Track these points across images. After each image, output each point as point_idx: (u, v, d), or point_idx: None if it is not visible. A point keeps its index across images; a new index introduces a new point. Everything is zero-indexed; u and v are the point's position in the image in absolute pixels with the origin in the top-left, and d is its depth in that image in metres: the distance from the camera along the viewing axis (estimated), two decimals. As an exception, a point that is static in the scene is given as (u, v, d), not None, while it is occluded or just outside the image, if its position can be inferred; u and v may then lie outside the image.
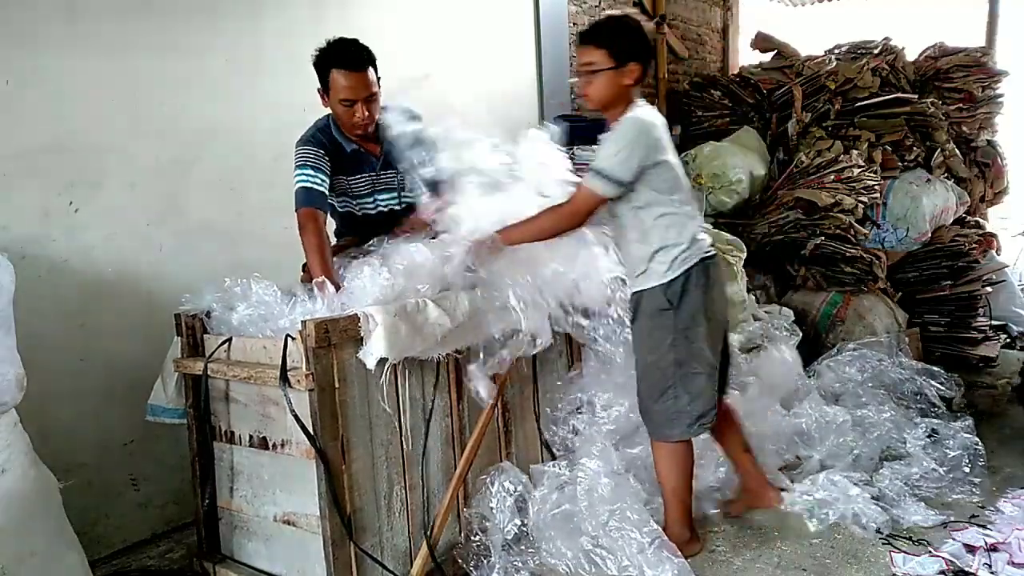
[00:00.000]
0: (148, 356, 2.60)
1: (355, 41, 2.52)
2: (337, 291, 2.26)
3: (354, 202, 2.74)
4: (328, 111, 2.62)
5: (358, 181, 2.71)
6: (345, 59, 2.47)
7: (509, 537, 2.43)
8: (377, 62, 2.54)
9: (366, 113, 2.52)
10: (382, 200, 2.76)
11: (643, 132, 2.32)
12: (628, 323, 2.57)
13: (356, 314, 2.10)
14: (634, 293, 2.46)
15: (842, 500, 2.63)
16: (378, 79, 2.55)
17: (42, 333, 2.51)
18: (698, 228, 2.45)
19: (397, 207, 2.77)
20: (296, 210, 2.49)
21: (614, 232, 2.53)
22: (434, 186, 2.62)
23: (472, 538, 2.42)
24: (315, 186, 2.51)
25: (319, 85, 2.55)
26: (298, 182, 2.53)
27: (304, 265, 2.58)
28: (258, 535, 2.35)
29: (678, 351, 2.39)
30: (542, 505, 2.49)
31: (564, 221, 2.42)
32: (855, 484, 2.72)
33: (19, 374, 2.02)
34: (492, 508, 2.43)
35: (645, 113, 2.37)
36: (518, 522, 2.46)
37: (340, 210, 2.76)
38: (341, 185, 2.68)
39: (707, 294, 2.40)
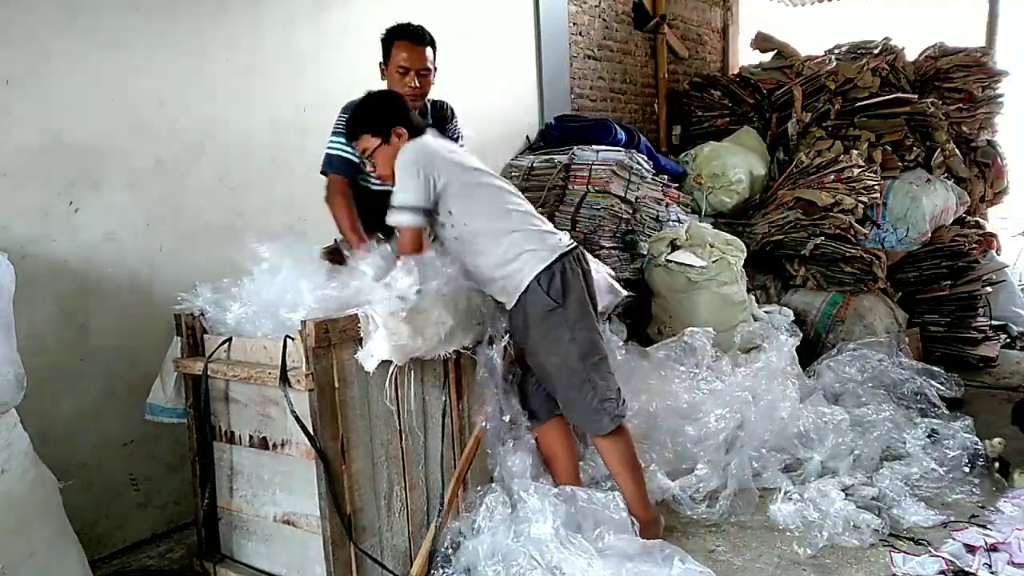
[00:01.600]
0: (148, 356, 2.60)
1: (421, 25, 2.78)
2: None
3: (372, 176, 2.77)
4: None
5: None
6: (408, 34, 2.74)
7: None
8: (436, 50, 2.78)
9: (416, 84, 2.71)
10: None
11: (417, 158, 2.36)
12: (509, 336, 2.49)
13: (356, 314, 2.10)
14: (512, 308, 2.41)
15: (831, 515, 2.59)
16: (435, 66, 2.77)
17: (42, 333, 2.52)
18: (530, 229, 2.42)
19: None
20: (324, 173, 2.71)
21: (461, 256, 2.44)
22: None
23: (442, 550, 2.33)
24: (348, 155, 2.65)
25: (381, 59, 2.76)
26: (332, 148, 2.70)
27: (325, 247, 2.64)
28: (258, 535, 2.35)
29: (579, 344, 2.40)
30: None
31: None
32: (843, 491, 2.73)
33: (19, 374, 2.03)
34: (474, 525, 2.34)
35: (414, 144, 2.41)
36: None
37: (359, 182, 2.81)
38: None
39: (587, 281, 2.46)
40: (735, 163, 4.79)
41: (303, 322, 2.02)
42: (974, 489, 2.87)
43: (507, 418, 2.51)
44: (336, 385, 2.08)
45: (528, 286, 2.36)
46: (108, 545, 2.73)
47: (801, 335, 3.87)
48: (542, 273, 2.36)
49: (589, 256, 2.62)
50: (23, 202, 2.51)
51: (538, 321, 2.39)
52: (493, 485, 2.44)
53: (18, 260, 2.29)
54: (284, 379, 2.06)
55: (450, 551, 2.32)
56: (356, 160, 2.63)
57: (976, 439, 3.07)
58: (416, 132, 2.46)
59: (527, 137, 4.85)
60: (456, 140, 2.89)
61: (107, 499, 2.73)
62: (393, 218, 2.36)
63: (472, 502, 2.42)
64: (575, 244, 2.49)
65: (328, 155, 2.71)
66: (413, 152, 2.38)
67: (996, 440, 3.09)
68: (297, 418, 2.05)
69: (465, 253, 2.41)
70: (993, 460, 3.01)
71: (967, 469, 2.97)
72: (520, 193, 2.57)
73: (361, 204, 2.77)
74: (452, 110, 2.99)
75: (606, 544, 2.29)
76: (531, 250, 2.37)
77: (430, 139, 2.47)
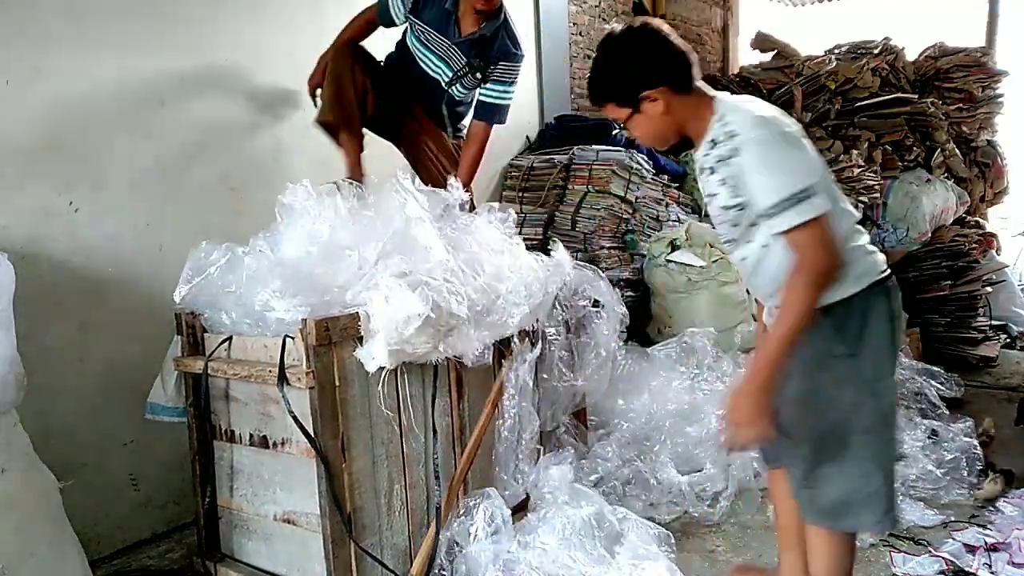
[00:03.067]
0: (148, 356, 2.60)
1: None
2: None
3: (415, 47, 2.96)
4: None
5: (430, 34, 2.91)
6: None
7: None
8: None
9: None
10: (433, 64, 2.98)
11: (777, 133, 1.67)
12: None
13: (357, 312, 2.10)
14: None
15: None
16: None
17: (42, 333, 2.51)
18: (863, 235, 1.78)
19: (437, 79, 3.00)
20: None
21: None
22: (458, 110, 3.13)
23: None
24: (392, 5, 2.89)
25: None
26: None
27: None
28: (258, 534, 2.35)
29: (863, 412, 1.71)
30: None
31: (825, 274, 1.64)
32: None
33: (19, 374, 2.02)
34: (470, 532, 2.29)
35: (754, 109, 1.72)
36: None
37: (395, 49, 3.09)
38: (414, 23, 2.93)
39: (895, 324, 1.73)
40: (735, 163, 4.78)
41: (304, 320, 2.02)
42: (973, 490, 2.87)
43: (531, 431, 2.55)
44: (337, 383, 2.08)
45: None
46: (108, 545, 2.73)
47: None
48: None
49: None
50: (23, 202, 2.51)
51: (814, 367, 1.73)
52: (489, 491, 2.40)
53: (18, 260, 2.28)
54: (283, 380, 2.05)
55: (455, 550, 2.32)
56: (400, 14, 2.89)
57: (976, 442, 3.07)
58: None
59: (527, 137, 4.85)
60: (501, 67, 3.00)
61: (107, 499, 2.73)
62: (798, 214, 1.58)
63: (471, 506, 2.36)
64: (889, 272, 1.78)
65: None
66: (766, 125, 1.67)
67: (987, 420, 3.16)
68: (296, 419, 2.04)
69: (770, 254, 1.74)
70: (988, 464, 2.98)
71: (964, 472, 2.95)
72: None
73: (386, 72, 3.02)
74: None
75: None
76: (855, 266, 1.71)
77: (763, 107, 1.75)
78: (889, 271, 1.76)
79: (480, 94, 3.05)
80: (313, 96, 3.04)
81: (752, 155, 1.64)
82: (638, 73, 1.75)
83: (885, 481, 1.74)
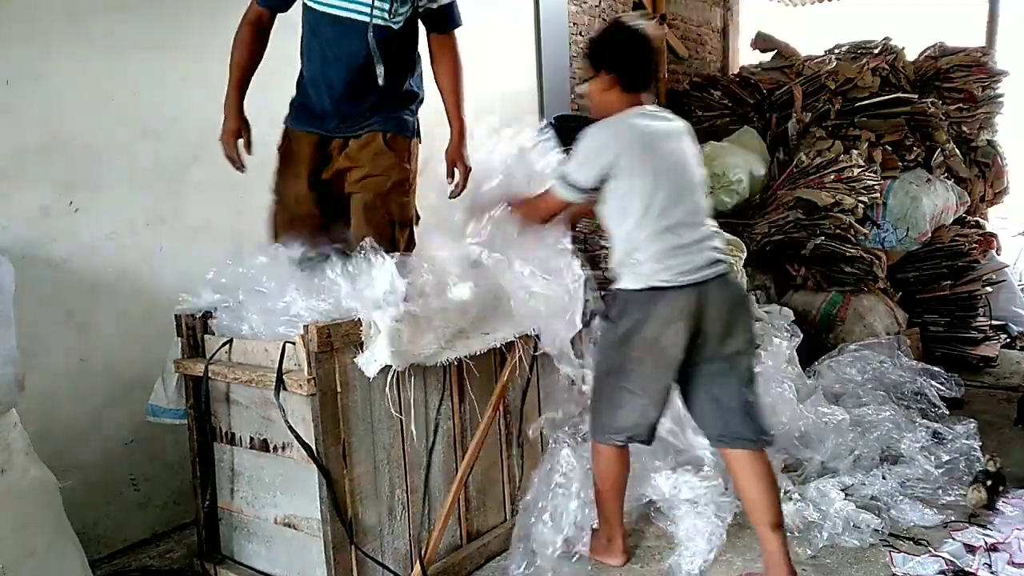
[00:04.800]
0: (148, 356, 2.60)
1: None
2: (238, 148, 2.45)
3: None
4: None
5: None
6: None
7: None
8: None
9: None
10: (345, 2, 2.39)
11: (602, 141, 2.27)
12: None
13: (358, 319, 2.09)
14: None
15: (830, 515, 2.60)
16: None
17: (42, 333, 2.51)
18: (678, 247, 2.20)
19: (356, 22, 2.41)
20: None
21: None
22: (400, 58, 2.51)
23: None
24: None
25: None
26: None
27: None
28: (259, 536, 2.35)
29: (612, 359, 2.32)
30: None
31: (532, 216, 2.51)
32: (843, 491, 2.74)
33: (19, 374, 2.02)
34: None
35: (618, 120, 2.29)
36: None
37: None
38: None
39: (650, 321, 2.20)
40: (735, 163, 4.79)
41: (305, 326, 2.01)
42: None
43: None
44: (338, 389, 2.07)
45: None
46: (108, 545, 2.73)
47: (801, 335, 3.87)
48: None
49: None
50: (23, 202, 2.51)
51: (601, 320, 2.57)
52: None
53: (18, 260, 2.28)
54: (280, 387, 2.04)
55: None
56: None
57: (976, 445, 3.06)
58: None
59: (527, 137, 4.84)
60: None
61: (107, 499, 2.73)
62: (553, 184, 2.40)
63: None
64: (694, 280, 2.27)
65: None
66: (600, 133, 2.35)
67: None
68: (293, 430, 2.04)
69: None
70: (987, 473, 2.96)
71: (965, 474, 2.95)
72: None
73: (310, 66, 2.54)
74: None
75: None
76: (638, 270, 2.31)
77: (640, 120, 2.32)
78: (666, 285, 2.19)
79: (420, 6, 2.52)
80: (234, 155, 2.54)
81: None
82: (612, 56, 2.31)
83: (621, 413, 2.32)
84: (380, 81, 2.46)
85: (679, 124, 2.39)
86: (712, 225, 2.33)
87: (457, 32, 2.65)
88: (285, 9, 2.55)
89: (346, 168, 2.56)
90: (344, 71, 2.48)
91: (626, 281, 2.26)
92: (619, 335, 2.27)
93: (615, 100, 2.32)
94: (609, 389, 2.33)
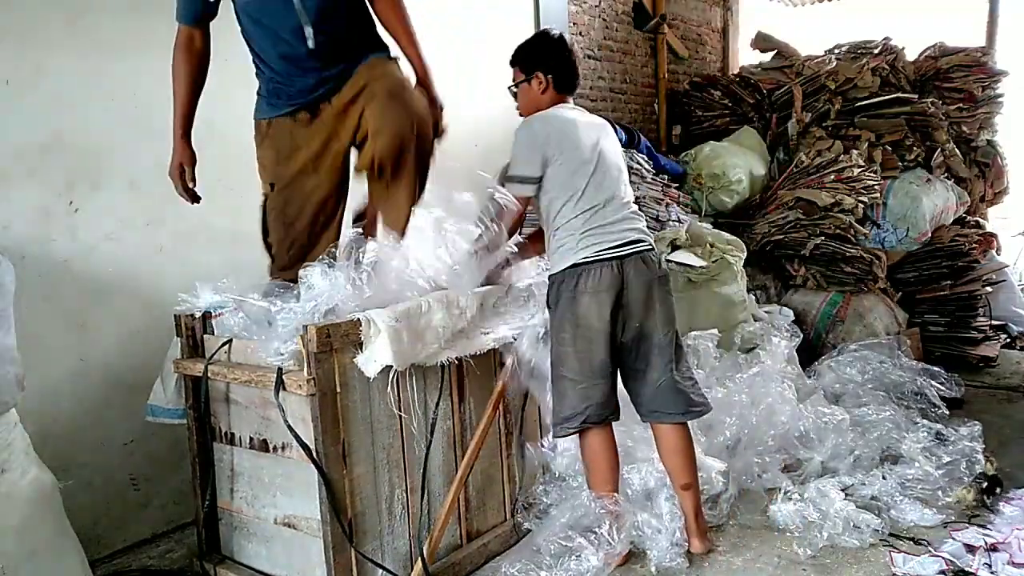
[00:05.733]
0: (148, 356, 2.60)
1: None
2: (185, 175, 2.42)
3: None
4: None
5: None
6: None
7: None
8: None
9: None
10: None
11: (536, 130, 2.44)
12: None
13: (358, 319, 2.09)
14: None
15: (831, 515, 2.59)
16: None
17: (42, 333, 2.51)
18: (598, 226, 2.38)
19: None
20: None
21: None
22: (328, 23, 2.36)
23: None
24: None
25: None
26: None
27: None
28: (258, 536, 2.35)
29: (552, 351, 2.46)
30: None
31: (513, 227, 2.54)
32: (843, 491, 2.73)
33: (19, 374, 2.02)
34: None
35: (545, 113, 2.49)
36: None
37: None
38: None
39: (576, 298, 2.36)
40: (735, 163, 4.79)
41: (305, 327, 2.01)
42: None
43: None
44: (338, 389, 2.07)
45: None
46: (108, 545, 2.73)
47: (801, 335, 3.87)
48: None
49: None
50: (23, 202, 2.51)
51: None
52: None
53: (18, 260, 2.29)
54: (279, 387, 2.04)
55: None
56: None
57: (979, 447, 3.05)
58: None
59: (527, 137, 4.84)
60: None
61: (107, 499, 2.73)
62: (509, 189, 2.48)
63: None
64: (607, 256, 2.43)
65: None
66: (528, 128, 2.49)
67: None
68: (293, 430, 2.04)
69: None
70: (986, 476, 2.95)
71: (965, 476, 2.94)
72: None
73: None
74: None
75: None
76: (566, 250, 2.45)
77: (557, 114, 2.51)
78: (587, 260, 2.36)
79: None
80: (183, 189, 2.48)
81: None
82: (548, 58, 2.54)
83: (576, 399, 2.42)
84: (309, 43, 2.35)
85: (600, 119, 2.62)
86: (634, 210, 2.51)
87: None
88: (213, 14, 2.45)
89: (353, 96, 2.43)
90: (284, 34, 2.41)
91: (555, 265, 2.44)
92: (555, 322, 2.43)
93: (547, 100, 2.54)
94: (554, 381, 2.47)
